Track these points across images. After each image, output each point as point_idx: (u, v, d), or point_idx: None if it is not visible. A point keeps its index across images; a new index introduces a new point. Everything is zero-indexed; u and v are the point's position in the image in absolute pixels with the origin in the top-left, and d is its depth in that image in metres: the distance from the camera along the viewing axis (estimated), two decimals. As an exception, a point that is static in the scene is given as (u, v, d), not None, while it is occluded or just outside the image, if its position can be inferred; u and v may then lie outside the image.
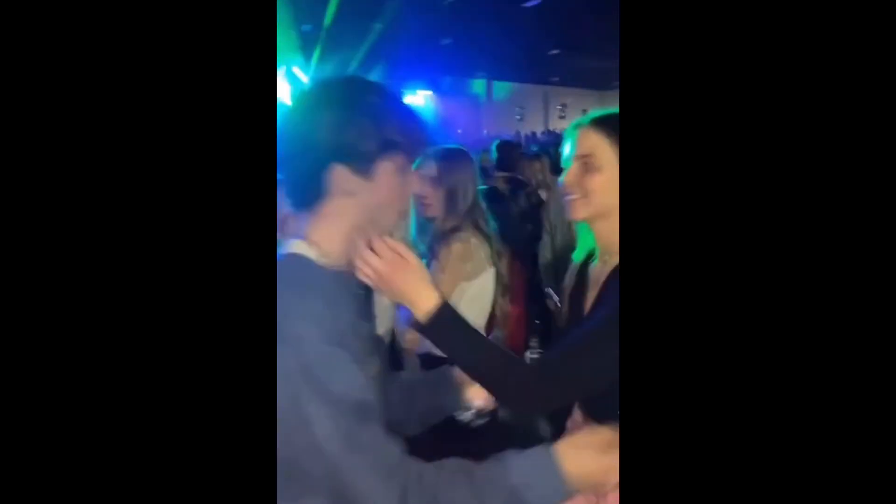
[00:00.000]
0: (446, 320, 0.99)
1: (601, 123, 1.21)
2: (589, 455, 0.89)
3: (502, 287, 2.05)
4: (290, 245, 0.99)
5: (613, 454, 0.86)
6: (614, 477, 0.86)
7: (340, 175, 0.91)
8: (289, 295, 0.86)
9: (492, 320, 2.08)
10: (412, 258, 0.99)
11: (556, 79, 18.79)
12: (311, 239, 0.97)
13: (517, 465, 0.88)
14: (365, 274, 0.98)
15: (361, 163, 0.91)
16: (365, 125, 0.90)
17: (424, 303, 0.99)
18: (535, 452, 0.90)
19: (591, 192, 1.17)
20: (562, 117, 19.64)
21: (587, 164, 1.18)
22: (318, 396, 0.82)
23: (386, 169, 0.94)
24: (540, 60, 14.90)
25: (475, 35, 11.20)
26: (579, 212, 1.20)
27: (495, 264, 2.04)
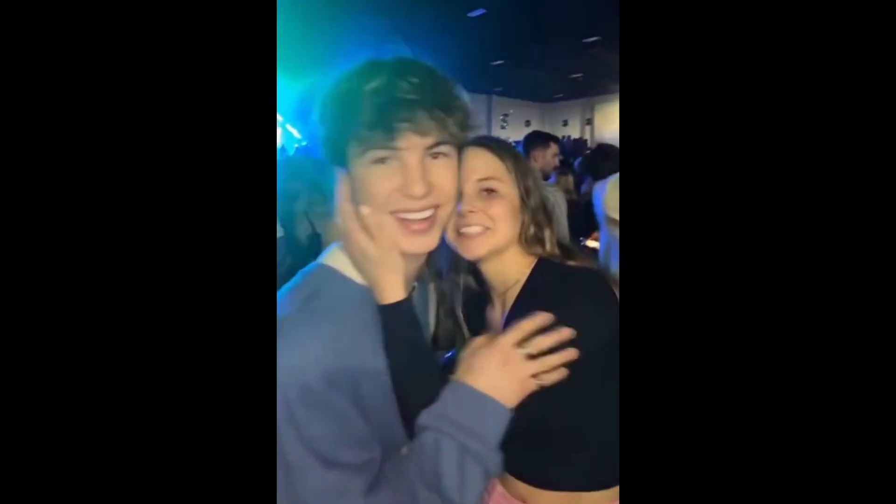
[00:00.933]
0: (401, 318, 0.92)
1: (492, 143, 1.09)
2: None
3: (445, 307, 1.92)
4: (327, 255, 0.96)
5: None
6: None
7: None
8: (302, 318, 0.82)
9: (435, 342, 1.96)
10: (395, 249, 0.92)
11: (500, 89, 19.10)
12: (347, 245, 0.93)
13: None
14: (353, 229, 0.90)
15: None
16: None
17: (390, 292, 0.91)
18: None
19: (497, 220, 1.03)
20: (503, 127, 19.97)
21: (490, 188, 1.04)
22: (298, 442, 0.76)
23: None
24: (484, 70, 15.09)
25: (419, 41, 11.23)
26: (482, 247, 1.03)
27: (434, 280, 1.93)
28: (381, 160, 0.85)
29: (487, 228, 1.03)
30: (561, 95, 20.58)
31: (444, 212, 0.93)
